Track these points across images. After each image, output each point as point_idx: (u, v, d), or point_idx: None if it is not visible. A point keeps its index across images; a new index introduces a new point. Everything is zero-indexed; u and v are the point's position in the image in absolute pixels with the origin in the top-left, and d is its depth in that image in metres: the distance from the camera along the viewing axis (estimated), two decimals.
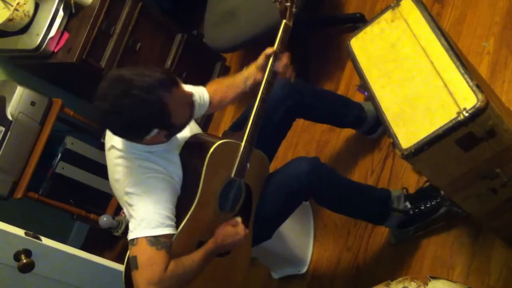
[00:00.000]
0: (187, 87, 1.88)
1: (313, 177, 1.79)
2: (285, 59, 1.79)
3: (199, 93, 1.91)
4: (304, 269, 2.30)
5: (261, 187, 1.80)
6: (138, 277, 1.52)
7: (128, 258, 1.60)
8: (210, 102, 1.93)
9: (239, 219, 1.70)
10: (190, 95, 1.60)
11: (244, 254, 1.80)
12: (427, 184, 2.00)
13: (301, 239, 2.32)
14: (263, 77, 1.76)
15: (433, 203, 1.93)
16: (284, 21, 1.77)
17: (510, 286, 1.75)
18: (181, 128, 1.62)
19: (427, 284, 1.48)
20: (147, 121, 1.51)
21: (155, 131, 1.53)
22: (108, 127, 1.58)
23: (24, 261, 1.83)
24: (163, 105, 1.49)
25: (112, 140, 1.66)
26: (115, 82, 1.50)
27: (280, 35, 1.77)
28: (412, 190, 2.05)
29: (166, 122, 1.54)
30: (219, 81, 2.02)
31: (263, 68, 1.80)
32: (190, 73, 2.91)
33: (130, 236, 1.56)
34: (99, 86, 1.50)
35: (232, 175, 1.67)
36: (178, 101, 1.53)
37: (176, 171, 1.65)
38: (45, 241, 1.98)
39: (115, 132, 1.59)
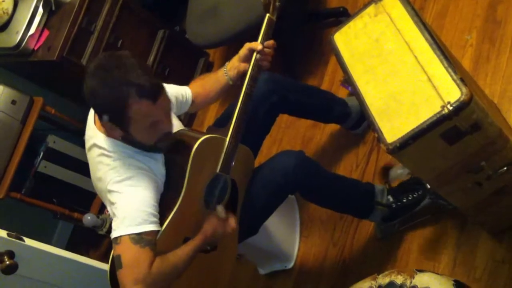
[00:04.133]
0: (171, 87, 1.87)
1: (299, 171, 1.79)
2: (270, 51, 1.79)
3: (181, 91, 1.91)
4: (291, 264, 2.30)
5: (246, 182, 1.79)
6: (123, 276, 1.51)
7: (112, 257, 1.59)
8: (194, 100, 1.93)
9: (221, 209, 1.69)
10: (159, 122, 1.55)
11: (231, 250, 1.79)
12: (409, 177, 2.01)
13: (287, 234, 2.32)
14: (246, 68, 1.75)
15: (415, 195, 1.94)
16: (267, 15, 1.76)
17: (495, 279, 1.77)
18: (140, 145, 1.60)
19: (413, 277, 1.49)
20: (103, 102, 1.52)
21: (106, 118, 1.54)
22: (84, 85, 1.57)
23: (7, 262, 1.81)
24: (124, 104, 1.48)
25: (93, 139, 1.64)
26: (115, 55, 1.53)
27: (264, 29, 1.76)
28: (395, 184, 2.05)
29: (122, 122, 1.53)
30: (202, 78, 2.01)
31: (245, 59, 1.80)
32: (173, 69, 2.90)
33: (113, 234, 1.54)
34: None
35: (218, 170, 1.66)
36: (142, 115, 1.51)
37: (159, 168, 1.64)
38: (28, 242, 1.96)
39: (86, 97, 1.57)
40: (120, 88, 1.47)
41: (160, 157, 1.66)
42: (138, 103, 1.48)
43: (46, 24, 2.54)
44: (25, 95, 2.58)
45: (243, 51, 1.80)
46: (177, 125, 1.81)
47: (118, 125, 1.55)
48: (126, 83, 1.47)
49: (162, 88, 1.53)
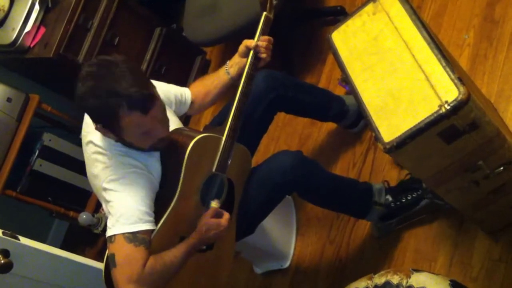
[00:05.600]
0: (170, 86, 1.87)
1: (297, 171, 1.78)
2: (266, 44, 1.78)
3: (181, 91, 1.90)
4: (287, 264, 2.29)
5: (243, 181, 1.78)
6: (117, 275, 1.51)
7: (107, 256, 1.58)
8: (193, 101, 1.93)
9: (215, 203, 1.68)
10: (153, 129, 1.53)
11: (228, 249, 1.79)
12: (408, 176, 2.01)
13: (283, 233, 2.31)
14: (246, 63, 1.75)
15: (414, 195, 1.93)
16: (264, 13, 1.75)
17: (492, 278, 1.76)
18: (136, 148, 1.59)
19: (409, 277, 1.49)
20: (93, 111, 1.52)
21: (99, 125, 1.54)
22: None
23: (2, 261, 1.80)
24: (114, 115, 1.47)
25: (89, 135, 1.64)
26: (106, 62, 1.50)
27: (261, 27, 1.75)
28: (393, 183, 2.05)
29: (115, 130, 1.53)
30: (203, 78, 2.02)
31: (244, 55, 1.80)
32: (170, 67, 2.89)
33: (108, 233, 1.54)
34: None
35: (214, 169, 1.65)
36: (134, 125, 1.49)
37: (155, 166, 1.64)
38: (23, 240, 1.95)
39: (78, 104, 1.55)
40: (109, 99, 1.45)
41: (156, 154, 1.66)
42: (128, 115, 1.46)
43: (42, 21, 2.53)
44: (21, 93, 2.56)
45: (241, 47, 1.80)
46: (175, 123, 1.80)
47: (111, 132, 1.55)
48: (116, 94, 1.44)
49: (154, 98, 1.49)
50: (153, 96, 1.50)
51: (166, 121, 1.59)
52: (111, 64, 1.48)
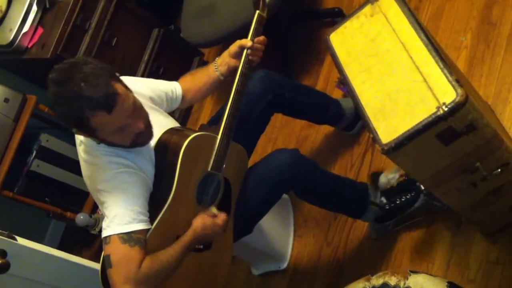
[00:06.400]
0: (161, 83, 1.87)
1: (295, 169, 1.78)
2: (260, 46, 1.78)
3: (171, 87, 1.90)
4: (285, 265, 2.30)
5: (240, 181, 1.78)
6: (113, 276, 1.51)
7: (102, 257, 1.58)
8: (184, 96, 1.93)
9: (215, 210, 1.68)
10: (126, 125, 1.52)
11: (226, 249, 1.79)
12: (403, 178, 2.01)
13: (281, 234, 2.31)
14: (236, 64, 1.75)
15: (408, 196, 1.94)
16: (257, 11, 1.75)
17: (489, 280, 1.77)
18: (121, 147, 1.59)
19: (407, 278, 1.49)
20: (62, 117, 1.52)
21: (74, 129, 1.54)
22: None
23: None
24: (81, 118, 1.46)
25: (80, 137, 1.64)
26: (68, 66, 1.50)
27: (254, 26, 1.75)
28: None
29: (89, 132, 1.52)
30: (192, 73, 2.01)
31: (235, 56, 1.80)
32: (168, 68, 2.89)
33: (103, 234, 1.55)
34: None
35: (209, 168, 1.65)
36: (103, 124, 1.49)
37: (146, 165, 1.64)
38: (21, 241, 1.95)
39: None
40: (72, 103, 1.45)
41: (147, 153, 1.65)
42: (94, 116, 1.46)
43: (40, 21, 2.53)
44: (18, 93, 2.56)
45: (233, 48, 1.80)
46: (169, 123, 1.80)
47: (87, 134, 1.55)
48: (77, 97, 1.44)
49: (117, 95, 1.47)
50: (115, 93, 1.47)
51: (139, 114, 1.56)
52: (72, 68, 1.48)
